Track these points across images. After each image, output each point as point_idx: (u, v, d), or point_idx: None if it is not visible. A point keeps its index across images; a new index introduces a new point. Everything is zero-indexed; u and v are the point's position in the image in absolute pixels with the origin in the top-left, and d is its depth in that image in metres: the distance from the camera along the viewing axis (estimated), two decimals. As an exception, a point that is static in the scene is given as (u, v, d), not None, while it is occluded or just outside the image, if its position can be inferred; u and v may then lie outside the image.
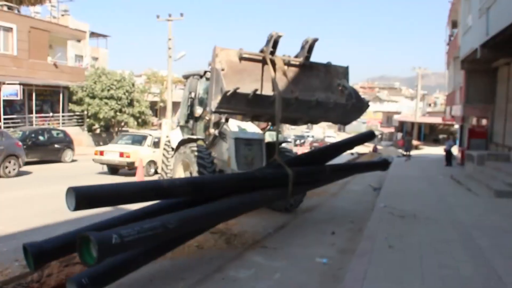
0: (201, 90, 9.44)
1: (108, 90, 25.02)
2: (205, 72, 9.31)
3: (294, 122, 7.57)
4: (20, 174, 13.74)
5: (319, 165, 7.51)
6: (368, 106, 7.12)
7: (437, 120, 44.76)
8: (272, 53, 6.20)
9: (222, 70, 5.86)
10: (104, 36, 39.77)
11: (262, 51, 6.31)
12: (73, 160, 18.33)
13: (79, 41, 32.49)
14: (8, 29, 23.14)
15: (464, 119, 22.76)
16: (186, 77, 9.98)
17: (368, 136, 9.33)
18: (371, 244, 6.25)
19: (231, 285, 4.83)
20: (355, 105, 6.75)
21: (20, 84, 21.87)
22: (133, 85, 26.79)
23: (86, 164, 17.81)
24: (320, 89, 6.80)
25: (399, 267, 5.28)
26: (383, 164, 8.95)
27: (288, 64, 6.49)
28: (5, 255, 5.84)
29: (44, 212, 8.42)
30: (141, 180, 12.23)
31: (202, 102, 9.39)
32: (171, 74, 29.24)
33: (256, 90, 5.88)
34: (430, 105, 78.28)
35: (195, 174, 8.07)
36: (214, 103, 5.71)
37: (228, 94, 5.52)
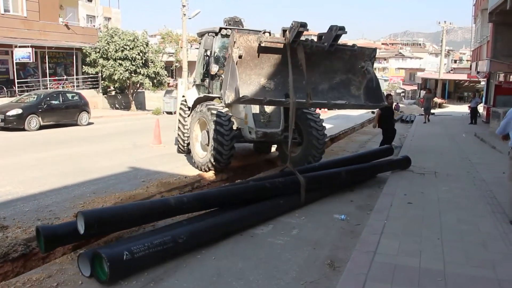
0: (217, 47, 9.27)
1: (122, 51, 24.72)
2: (220, 29, 9.10)
3: None
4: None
5: (333, 170, 7.31)
6: (385, 105, 7.02)
7: (462, 77, 43.32)
8: (294, 41, 5.76)
9: (240, 57, 5.56)
10: (116, -5, 39.09)
11: (284, 31, 5.94)
12: (89, 123, 18.42)
13: (90, 0, 31.99)
14: (17, -11, 22.54)
15: (491, 75, 21.92)
16: (201, 34, 9.78)
17: (386, 152, 9.38)
18: (390, 200, 6.22)
19: (249, 241, 4.90)
20: (371, 105, 6.63)
21: (32, 46, 21.56)
22: (147, 44, 26.38)
23: (102, 126, 18.06)
24: (342, 71, 6.49)
25: (418, 223, 5.25)
26: (405, 161, 8.72)
27: (310, 50, 6.03)
28: (28, 215, 6.01)
29: (63, 173, 8.60)
30: (158, 142, 12.30)
31: (218, 60, 9.25)
32: (186, 32, 28.75)
33: (269, 99, 5.78)
34: (455, 61, 75.78)
35: (212, 132, 8.06)
36: (228, 97, 5.46)
37: (242, 100, 5.44)
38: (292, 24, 5.65)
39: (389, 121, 11.02)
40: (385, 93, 7.61)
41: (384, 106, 6.99)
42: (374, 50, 6.81)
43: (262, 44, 5.64)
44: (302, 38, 5.87)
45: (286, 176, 6.42)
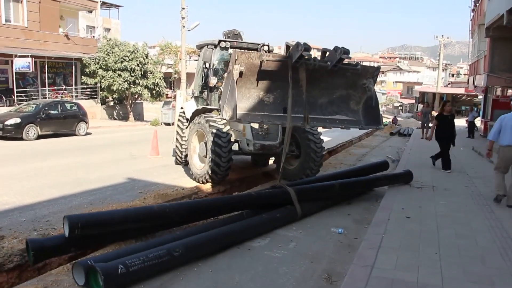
0: (216, 60, 9.33)
1: (121, 62, 24.82)
2: (220, 41, 9.17)
3: None
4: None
5: (327, 182, 7.34)
6: (381, 128, 7.03)
7: (460, 90, 43.62)
8: (297, 61, 5.71)
9: (241, 73, 5.53)
10: (116, 6, 39.15)
11: (288, 47, 5.86)
12: (87, 133, 18.44)
13: (90, 11, 32.18)
14: (18, 0, 22.76)
15: (488, 89, 22.07)
16: (200, 47, 9.85)
17: (381, 166, 9.45)
18: (387, 214, 6.20)
19: (246, 254, 4.87)
20: (366, 127, 6.68)
21: (32, 56, 21.66)
22: (146, 56, 26.53)
23: (100, 136, 18.06)
24: (343, 87, 6.47)
25: (415, 237, 5.23)
26: (406, 176, 8.56)
27: (313, 70, 5.93)
28: (24, 225, 5.98)
29: (60, 183, 8.58)
30: (156, 153, 12.30)
31: (217, 72, 9.30)
32: (185, 44, 28.96)
33: (267, 121, 5.90)
34: (453, 75, 76.37)
35: (210, 144, 8.07)
36: (226, 113, 5.51)
37: (240, 122, 5.60)
38: (296, 44, 5.62)
39: (449, 132, 10.23)
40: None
41: (380, 129, 6.99)
42: (377, 68, 6.78)
43: (264, 63, 5.64)
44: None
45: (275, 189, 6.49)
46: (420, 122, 22.38)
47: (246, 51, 5.94)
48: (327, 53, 6.08)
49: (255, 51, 9.37)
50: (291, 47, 5.75)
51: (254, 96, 5.85)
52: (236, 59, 5.47)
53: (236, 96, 5.36)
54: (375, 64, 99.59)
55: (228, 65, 5.98)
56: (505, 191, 7.00)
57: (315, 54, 6.36)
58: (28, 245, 4.40)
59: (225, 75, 6.88)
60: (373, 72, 6.53)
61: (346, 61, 6.03)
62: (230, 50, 9.32)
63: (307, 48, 5.51)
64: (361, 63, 6.59)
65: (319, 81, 6.16)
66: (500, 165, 7.11)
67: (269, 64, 5.72)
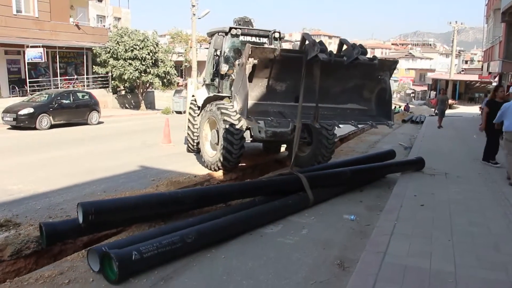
0: (227, 47, 9.28)
1: (132, 51, 24.86)
2: (230, 28, 9.11)
3: None
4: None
5: (339, 169, 7.35)
6: (392, 125, 6.62)
7: (473, 77, 42.92)
8: (312, 59, 5.60)
9: (253, 66, 5.46)
10: (126, -5, 39.30)
11: (304, 40, 5.78)
12: (99, 122, 18.60)
13: (100, 1, 32.18)
14: (28, -10, 22.82)
15: (503, 75, 21.68)
16: (211, 34, 9.81)
17: (389, 155, 9.44)
18: (400, 201, 6.18)
19: (259, 240, 4.90)
20: (375, 124, 6.49)
21: (43, 46, 21.83)
22: (157, 45, 26.50)
23: (112, 125, 18.21)
24: (357, 77, 6.37)
25: (428, 224, 5.22)
26: (418, 163, 8.49)
27: (328, 65, 5.68)
28: (39, 212, 6.10)
29: (73, 171, 8.70)
30: (168, 141, 12.38)
31: (228, 60, 9.27)
32: (195, 32, 28.87)
33: (275, 119, 5.81)
34: (466, 62, 75.05)
35: (221, 131, 8.09)
36: (237, 105, 5.57)
37: (251, 120, 5.57)
38: (312, 43, 5.55)
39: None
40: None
41: (390, 126, 6.56)
42: (395, 62, 6.66)
43: (278, 58, 5.60)
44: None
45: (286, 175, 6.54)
46: (437, 110, 19.55)
47: (260, 46, 5.84)
48: (344, 46, 5.99)
49: (267, 38, 9.34)
50: (306, 42, 5.69)
51: (265, 86, 5.84)
52: (249, 53, 5.42)
53: (247, 91, 5.37)
54: (387, 51, 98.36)
55: (239, 52, 5.94)
56: None
57: (326, 41, 6.28)
58: (42, 228, 4.54)
59: (236, 62, 6.83)
60: (390, 66, 6.45)
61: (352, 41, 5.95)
62: (241, 37, 9.27)
63: (323, 49, 5.44)
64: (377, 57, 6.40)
65: (333, 73, 6.08)
66: (510, 149, 7.50)
67: (283, 58, 5.69)
